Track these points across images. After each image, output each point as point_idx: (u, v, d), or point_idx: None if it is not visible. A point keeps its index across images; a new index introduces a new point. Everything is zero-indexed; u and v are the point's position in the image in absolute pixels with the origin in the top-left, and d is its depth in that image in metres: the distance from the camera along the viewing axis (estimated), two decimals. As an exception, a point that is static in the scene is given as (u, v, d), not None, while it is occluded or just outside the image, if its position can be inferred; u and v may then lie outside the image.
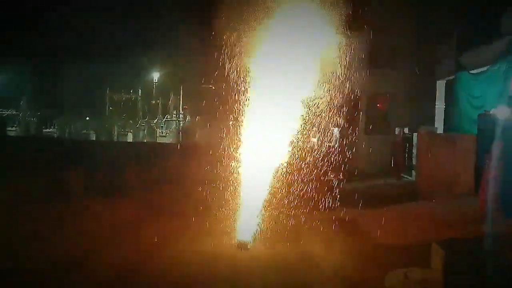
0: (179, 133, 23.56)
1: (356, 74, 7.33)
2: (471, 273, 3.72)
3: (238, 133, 7.02)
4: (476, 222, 6.12)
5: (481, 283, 3.71)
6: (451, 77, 12.42)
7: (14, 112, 27.78)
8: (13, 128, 25.73)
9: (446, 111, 13.10)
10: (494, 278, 3.86)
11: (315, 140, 9.43)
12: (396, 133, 13.68)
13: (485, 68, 10.45)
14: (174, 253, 5.78)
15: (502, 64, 9.56)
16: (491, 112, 8.76)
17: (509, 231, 5.26)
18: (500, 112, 8.54)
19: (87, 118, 27.51)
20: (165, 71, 27.78)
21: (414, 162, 12.28)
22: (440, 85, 13.54)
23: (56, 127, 26.15)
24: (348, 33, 6.70)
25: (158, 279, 4.95)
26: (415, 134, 12.26)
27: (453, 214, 7.16)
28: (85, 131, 25.42)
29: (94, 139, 23.49)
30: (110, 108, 27.87)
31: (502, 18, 10.60)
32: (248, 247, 6.11)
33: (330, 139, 13.62)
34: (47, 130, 25.88)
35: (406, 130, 13.46)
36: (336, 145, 13.42)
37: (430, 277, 4.10)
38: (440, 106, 13.45)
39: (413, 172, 12.17)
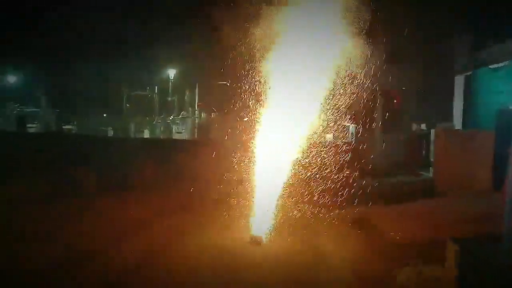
0: (194, 129, 23.73)
1: (373, 70, 7.28)
2: (486, 271, 3.66)
3: (254, 129, 7.06)
4: (493, 220, 6.01)
5: (496, 282, 3.66)
6: (469, 73, 12.17)
7: (34, 109, 28.38)
8: (33, 125, 26.31)
9: (464, 107, 12.84)
10: (509, 277, 3.80)
11: (331, 136, 9.42)
12: (413, 129, 13.48)
13: (504, 63, 10.22)
14: (187, 248, 5.87)
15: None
16: (510, 108, 8.57)
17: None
18: (519, 108, 8.37)
19: (105, 115, 27.95)
20: (181, 68, 28.01)
21: (431, 158, 12.10)
22: (458, 81, 13.27)
23: (74, 124, 26.63)
24: (365, 30, 6.65)
25: (171, 273, 5.03)
26: (432, 131, 12.07)
27: (469, 211, 7.04)
28: (103, 127, 25.82)
29: (111, 135, 23.88)
30: (127, 105, 28.22)
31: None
32: (261, 242, 6.15)
33: (346, 135, 13.58)
34: (66, 127, 26.36)
35: (423, 126, 13.25)
36: (352, 141, 13.34)
37: (443, 275, 4.07)
38: (458, 102, 13.19)
39: (431, 169, 11.99)
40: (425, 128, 13.09)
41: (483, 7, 11.60)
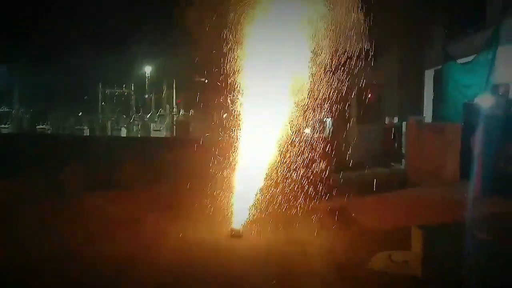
0: (173, 127, 23.65)
1: (347, 65, 7.49)
2: (449, 253, 3.97)
3: (231, 125, 7.19)
4: (459, 206, 6.39)
5: (458, 263, 3.96)
6: (439, 67, 12.64)
7: (7, 109, 27.66)
8: (6, 126, 25.67)
9: (434, 100, 13.35)
10: (472, 259, 4.12)
11: (308, 131, 9.64)
12: (386, 122, 13.92)
13: (471, 58, 10.68)
14: (168, 243, 5.99)
15: (487, 54, 9.79)
16: (475, 101, 9.01)
17: (489, 212, 5.53)
18: (485, 101, 8.81)
19: (80, 114, 27.50)
20: (158, 65, 27.82)
21: (403, 151, 12.54)
22: (429, 75, 13.78)
23: (49, 123, 26.11)
24: (339, 25, 6.86)
25: (153, 268, 5.15)
26: (404, 123, 12.51)
27: (438, 199, 7.43)
28: (78, 126, 25.41)
29: (87, 134, 23.55)
30: (103, 103, 27.85)
31: (487, 7, 10.84)
32: (241, 234, 6.34)
33: (323, 129, 13.88)
34: (40, 126, 25.83)
35: (395, 119, 13.70)
36: (328, 135, 13.66)
37: (411, 258, 4.36)
38: (429, 95, 13.69)
39: (403, 161, 12.43)
40: (397, 121, 13.54)
41: (453, 2, 12.05)
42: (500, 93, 8.78)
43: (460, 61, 11.27)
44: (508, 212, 5.74)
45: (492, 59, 9.52)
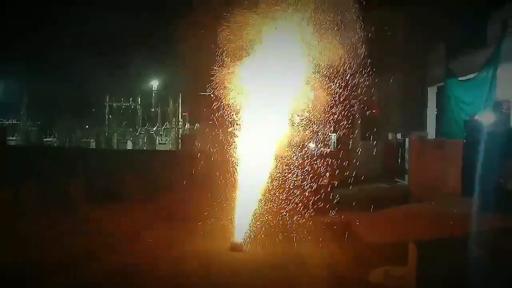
0: (178, 140, 23.82)
1: (352, 81, 7.63)
2: (444, 269, 4.03)
3: (236, 139, 7.32)
4: (459, 222, 6.44)
5: (454, 279, 4.02)
6: (441, 84, 12.76)
7: (14, 122, 28.04)
8: (13, 138, 25.98)
9: (437, 117, 13.43)
10: (468, 275, 4.17)
11: (312, 146, 9.75)
12: (389, 138, 14.00)
13: (473, 75, 10.79)
14: (170, 256, 6.08)
15: (488, 71, 9.91)
16: (477, 118, 9.10)
17: (488, 228, 5.57)
18: (486, 118, 8.90)
19: (87, 127, 27.79)
20: (164, 79, 28.15)
21: (407, 166, 12.59)
22: (431, 92, 13.88)
23: (56, 135, 26.39)
24: (344, 43, 7.02)
25: (154, 281, 5.23)
26: (407, 139, 12.58)
27: (439, 215, 7.46)
28: (84, 139, 25.66)
29: (93, 147, 23.76)
30: (110, 116, 28.13)
31: (487, 26, 11.00)
32: (243, 249, 6.40)
33: (327, 144, 13.97)
34: (47, 139, 26.13)
35: (398, 135, 13.78)
36: (332, 150, 13.74)
37: (407, 274, 4.42)
38: (431, 112, 13.78)
39: (406, 176, 12.47)
40: (400, 137, 13.61)
41: (455, 21, 12.24)
42: (501, 110, 8.87)
43: (462, 78, 11.39)
44: (507, 228, 5.78)
45: (493, 77, 9.62)
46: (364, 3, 7.02)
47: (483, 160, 7.67)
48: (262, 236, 6.75)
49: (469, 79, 10.96)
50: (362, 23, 7.07)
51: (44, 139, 26.14)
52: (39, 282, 5.02)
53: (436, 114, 13.46)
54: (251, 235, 6.72)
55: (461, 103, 10.94)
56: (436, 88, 13.62)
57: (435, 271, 4.03)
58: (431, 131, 13.42)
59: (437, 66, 13.15)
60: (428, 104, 13.88)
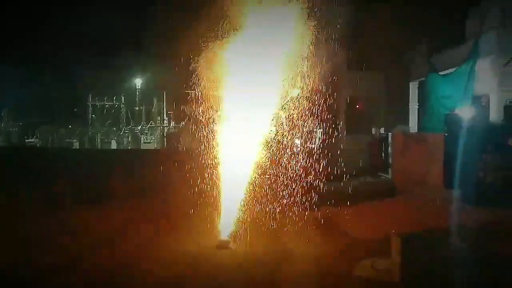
0: (163, 139, 23.67)
1: (336, 76, 7.70)
2: (425, 260, 4.13)
3: (219, 137, 7.33)
4: (442, 215, 6.60)
5: (436, 270, 4.12)
6: (422, 79, 12.98)
7: (-6, 122, 27.46)
8: (-6, 139, 25.46)
9: (419, 111, 13.67)
10: (449, 265, 4.29)
11: (297, 141, 9.81)
12: (373, 133, 14.19)
13: (452, 70, 11.01)
14: (157, 255, 6.06)
15: (467, 66, 10.12)
16: (457, 112, 9.29)
17: (469, 220, 5.73)
18: (465, 112, 9.10)
19: (70, 126, 27.37)
20: (148, 77, 27.89)
21: (390, 160, 12.78)
22: (413, 86, 14.11)
23: (38, 136, 25.93)
24: (329, 39, 7.08)
25: (142, 280, 5.22)
26: (390, 134, 12.78)
27: (422, 208, 7.62)
28: (68, 139, 25.27)
29: (77, 147, 23.43)
30: (93, 115, 27.77)
31: (467, 22, 11.23)
32: (229, 246, 6.43)
33: (312, 140, 14.09)
34: (29, 140, 25.66)
35: (382, 130, 13.98)
36: (318, 146, 13.86)
37: (392, 266, 4.52)
38: (413, 106, 14.01)
39: (389, 170, 12.66)
40: (383, 132, 13.82)
41: (436, 17, 12.45)
42: (480, 104, 9.08)
43: (442, 73, 11.60)
44: (487, 220, 5.94)
45: (471, 71, 9.84)
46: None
47: (463, 153, 7.86)
48: (248, 232, 6.78)
49: (448, 73, 11.18)
50: (345, 19, 7.14)
51: (26, 140, 25.66)
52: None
53: (418, 109, 13.70)
54: (237, 232, 6.75)
55: (441, 97, 11.16)
56: (417, 83, 13.85)
57: (418, 262, 4.14)
58: (413, 125, 13.66)
59: (419, 62, 13.37)
60: (410, 99, 14.10)
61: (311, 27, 6.90)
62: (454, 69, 10.88)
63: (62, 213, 8.22)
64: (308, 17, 6.89)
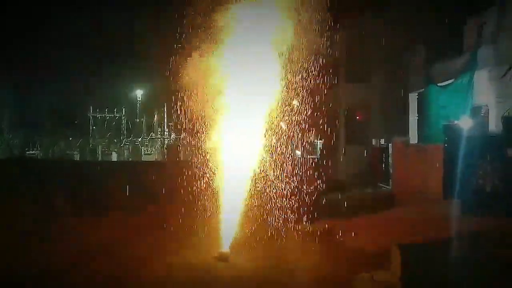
0: (164, 151, 23.71)
1: (337, 88, 7.75)
2: (426, 272, 4.12)
3: (219, 149, 7.36)
4: (442, 225, 6.57)
5: (435, 281, 4.11)
6: (421, 90, 13.03)
7: (-5, 135, 27.54)
8: (-6, 151, 25.50)
9: (418, 122, 13.68)
10: (450, 277, 4.27)
11: (298, 152, 9.84)
12: (373, 144, 14.21)
13: (451, 81, 11.06)
14: (156, 266, 6.05)
15: (465, 77, 10.18)
16: (455, 123, 9.31)
17: (469, 231, 5.71)
18: (464, 122, 9.13)
19: (70, 139, 27.44)
20: (149, 89, 28.05)
21: (390, 171, 12.78)
22: (413, 98, 14.15)
23: (39, 148, 25.98)
24: (330, 51, 7.15)
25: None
26: (390, 145, 12.78)
27: (422, 219, 7.60)
28: (68, 151, 25.32)
29: (77, 159, 23.46)
30: (94, 127, 27.86)
31: (465, 33, 11.32)
32: (228, 258, 6.41)
33: (313, 151, 14.13)
34: (30, 152, 25.71)
35: (382, 141, 13.99)
36: (318, 157, 13.89)
37: (392, 278, 4.50)
38: (413, 117, 14.03)
39: (390, 181, 12.65)
40: (383, 143, 13.83)
41: (434, 29, 12.56)
42: (480, 114, 9.10)
43: (441, 84, 11.65)
44: (487, 230, 5.92)
45: (470, 82, 9.89)
46: (346, 12, 7.17)
47: (463, 163, 7.85)
48: (249, 245, 6.77)
49: (447, 84, 11.23)
50: (344, 31, 7.23)
51: (27, 152, 25.70)
52: None
53: (418, 120, 13.72)
54: (237, 245, 6.73)
55: (440, 108, 11.19)
56: (417, 94, 13.91)
57: (419, 275, 4.12)
58: (413, 136, 13.66)
59: (418, 73, 13.43)
60: (409, 110, 14.13)
61: (311, 39, 6.98)
62: (452, 80, 10.94)
63: (61, 225, 8.22)
64: (307, 30, 6.97)
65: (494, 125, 8.85)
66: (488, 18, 10.02)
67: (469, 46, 10.75)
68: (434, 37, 12.54)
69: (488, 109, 9.55)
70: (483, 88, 9.60)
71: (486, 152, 7.75)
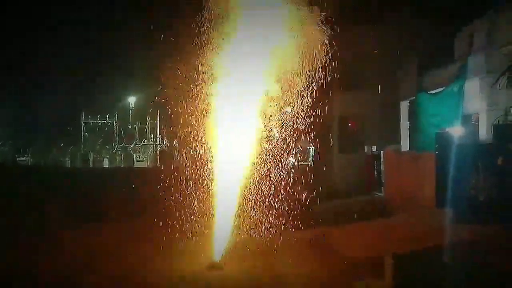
0: (156, 157, 23.60)
1: (329, 96, 7.77)
2: (419, 281, 4.10)
3: (212, 154, 7.32)
4: (434, 233, 6.58)
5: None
6: (413, 98, 13.13)
7: (-14, 141, 27.24)
8: (-15, 157, 25.20)
9: (410, 130, 13.77)
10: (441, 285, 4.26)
11: (291, 159, 9.82)
12: (365, 151, 14.25)
13: (442, 89, 11.15)
14: (148, 275, 5.97)
15: (456, 85, 10.27)
16: (446, 131, 9.37)
17: (462, 240, 5.72)
18: (455, 130, 9.20)
19: (62, 145, 27.21)
20: (142, 95, 27.97)
21: (382, 179, 12.80)
22: (404, 106, 14.25)
23: (30, 155, 25.73)
24: (322, 59, 7.17)
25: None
26: (382, 152, 12.83)
27: (414, 227, 7.61)
28: (60, 158, 25.10)
29: (69, 166, 23.27)
30: (86, 134, 27.67)
31: (456, 41, 11.45)
32: (221, 267, 6.34)
33: (306, 158, 14.14)
34: (21, 158, 25.43)
35: (374, 148, 14.04)
36: (311, 164, 13.90)
37: (385, 286, 4.48)
38: (405, 125, 14.12)
39: (382, 189, 12.67)
40: (375, 150, 13.88)
41: (425, 37, 12.71)
42: (470, 122, 9.18)
43: (432, 92, 11.75)
44: (480, 238, 5.94)
45: (460, 90, 9.97)
46: (338, 20, 7.21)
47: (455, 171, 7.89)
48: (242, 254, 6.71)
49: (438, 92, 11.32)
50: (337, 39, 7.27)
51: (18, 159, 25.44)
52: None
53: (409, 127, 13.81)
54: (230, 253, 6.67)
55: (431, 116, 11.26)
56: (408, 102, 14.01)
57: (412, 284, 4.10)
58: (404, 144, 13.74)
59: (409, 81, 13.55)
60: (401, 118, 14.23)
61: (304, 46, 7.00)
62: (443, 88, 11.03)
63: (49, 232, 8.10)
64: (299, 37, 6.99)
65: (485, 133, 8.91)
66: (479, 27, 10.14)
67: (460, 55, 10.87)
68: (425, 45, 12.68)
69: (479, 117, 9.63)
70: (474, 96, 9.68)
71: (477, 160, 7.80)
